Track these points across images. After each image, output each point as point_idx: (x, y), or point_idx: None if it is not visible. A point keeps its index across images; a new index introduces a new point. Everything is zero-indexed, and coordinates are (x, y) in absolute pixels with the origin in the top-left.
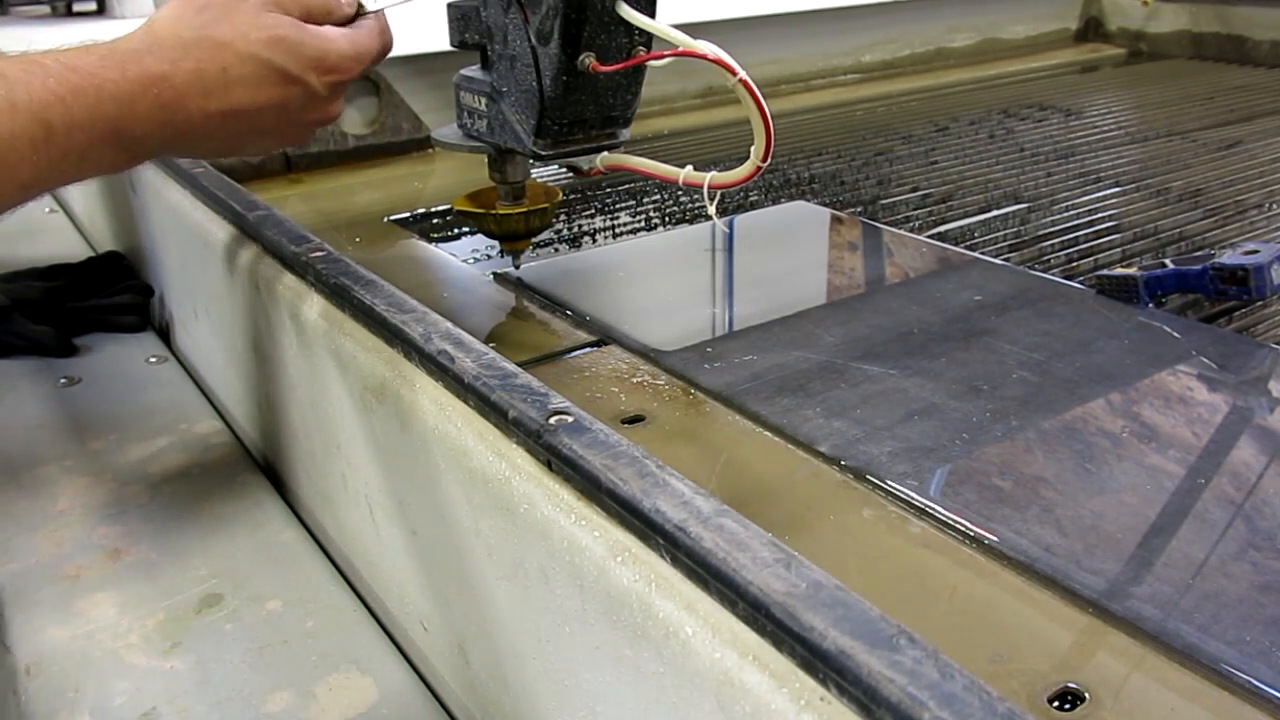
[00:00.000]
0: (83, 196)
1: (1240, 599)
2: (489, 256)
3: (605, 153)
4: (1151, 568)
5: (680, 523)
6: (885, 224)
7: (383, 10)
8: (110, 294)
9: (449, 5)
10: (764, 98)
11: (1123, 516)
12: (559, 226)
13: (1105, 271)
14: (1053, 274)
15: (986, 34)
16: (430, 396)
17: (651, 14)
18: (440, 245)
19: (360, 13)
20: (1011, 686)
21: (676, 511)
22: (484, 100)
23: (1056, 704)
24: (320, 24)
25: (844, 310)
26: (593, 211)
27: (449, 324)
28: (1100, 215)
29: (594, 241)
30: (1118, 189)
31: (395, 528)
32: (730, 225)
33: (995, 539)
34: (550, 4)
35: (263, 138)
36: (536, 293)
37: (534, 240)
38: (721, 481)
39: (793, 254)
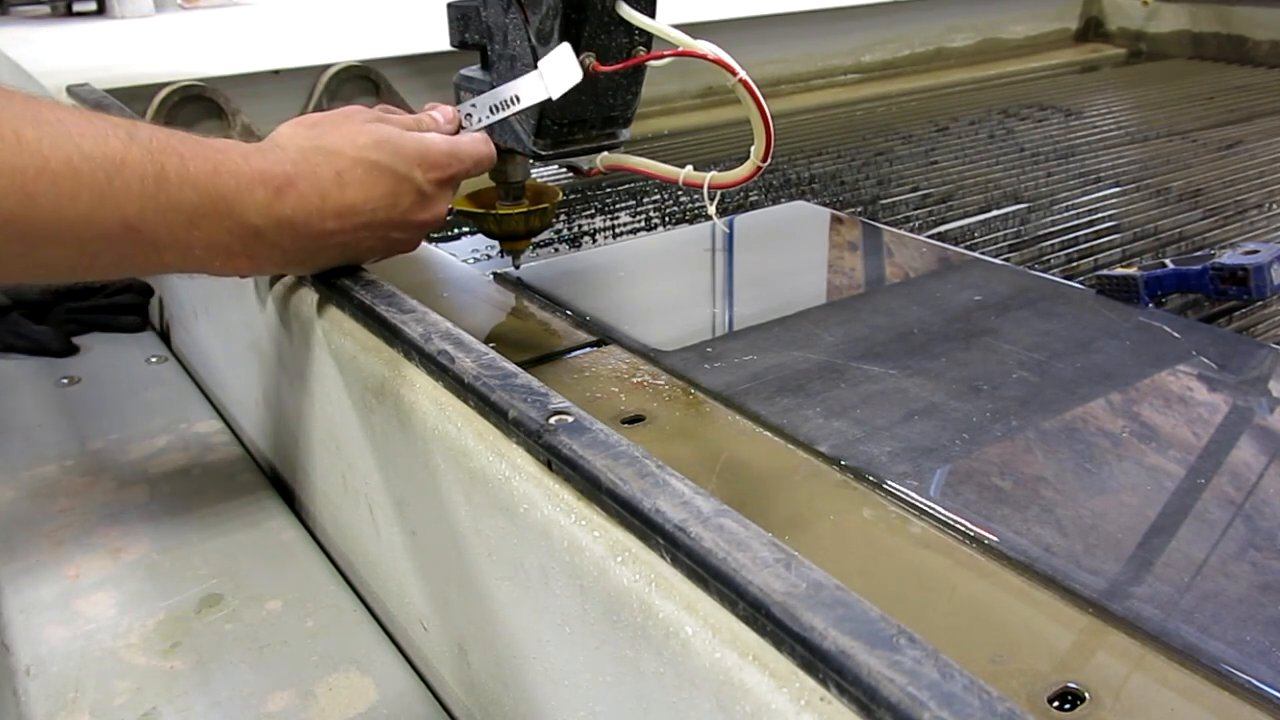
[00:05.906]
0: None
1: (1240, 599)
2: (489, 256)
3: (605, 153)
4: (1151, 568)
5: (680, 523)
6: (885, 224)
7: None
8: (110, 294)
9: (449, 5)
10: (764, 98)
11: (1123, 516)
12: (559, 226)
13: (1105, 271)
14: (1053, 274)
15: (986, 34)
16: (430, 396)
17: (651, 14)
18: (440, 245)
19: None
20: (1011, 686)
21: (676, 511)
22: None
23: (1056, 704)
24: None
25: (844, 310)
26: (593, 211)
27: (449, 324)
28: (1100, 215)
29: (594, 241)
30: (1118, 189)
31: (395, 528)
32: (730, 225)
33: (995, 539)
34: (550, 4)
35: (376, 236)
36: (536, 293)
37: (534, 240)
38: (721, 481)
39: (793, 254)
